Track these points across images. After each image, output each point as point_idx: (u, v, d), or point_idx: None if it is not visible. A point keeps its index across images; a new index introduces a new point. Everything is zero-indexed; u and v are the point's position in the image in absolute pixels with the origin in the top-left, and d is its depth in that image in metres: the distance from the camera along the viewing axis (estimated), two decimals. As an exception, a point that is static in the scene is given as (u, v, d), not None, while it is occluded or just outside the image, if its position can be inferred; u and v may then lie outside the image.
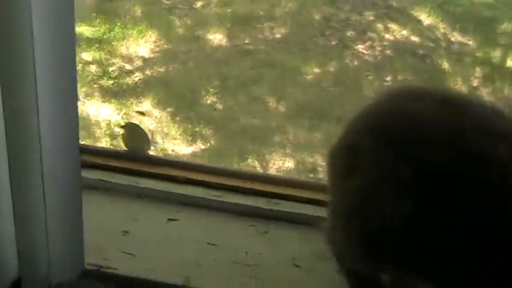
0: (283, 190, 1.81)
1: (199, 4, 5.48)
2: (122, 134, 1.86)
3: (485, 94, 4.92)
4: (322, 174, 3.88)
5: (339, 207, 1.43)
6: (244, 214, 1.77)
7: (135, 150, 1.84)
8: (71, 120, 1.40)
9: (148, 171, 1.82)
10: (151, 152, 1.89)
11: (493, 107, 1.34)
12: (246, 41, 5.17)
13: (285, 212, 1.77)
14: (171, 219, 1.74)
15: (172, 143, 4.42)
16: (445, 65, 5.14)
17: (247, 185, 1.81)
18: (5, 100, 1.33)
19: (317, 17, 5.39)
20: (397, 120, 1.33)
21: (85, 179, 1.74)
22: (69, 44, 1.33)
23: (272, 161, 4.25)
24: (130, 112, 4.54)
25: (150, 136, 2.10)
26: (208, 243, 1.68)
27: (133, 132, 1.86)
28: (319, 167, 4.14)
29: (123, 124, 1.84)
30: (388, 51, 5.18)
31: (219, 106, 4.69)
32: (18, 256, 1.48)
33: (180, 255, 1.64)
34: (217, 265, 1.63)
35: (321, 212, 1.59)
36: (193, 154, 4.35)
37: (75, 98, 1.40)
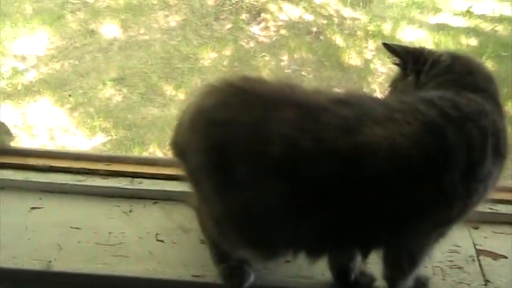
0: (145, 169, 1.84)
1: (91, -2, 5.43)
2: (-18, 129, 1.86)
3: (379, 65, 5.04)
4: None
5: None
6: (108, 195, 1.81)
7: (-4, 143, 1.85)
8: None
9: (10, 162, 1.83)
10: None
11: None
12: (141, 32, 5.15)
13: (148, 190, 1.82)
14: (34, 208, 1.77)
15: (73, 138, 4.39)
16: (339, 41, 5.22)
17: (110, 167, 1.84)
18: None
19: (210, 2, 5.41)
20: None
21: None
22: None
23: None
24: (26, 112, 4.48)
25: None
26: (71, 227, 1.72)
27: (-8, 126, 1.87)
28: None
29: (-18, 119, 1.83)
30: (282, 31, 5.23)
31: (118, 98, 4.67)
32: None
33: (43, 242, 1.67)
34: (80, 247, 1.67)
35: (182, 187, 1.64)
36: (95, 148, 4.32)
37: None
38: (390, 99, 1.55)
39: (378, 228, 1.38)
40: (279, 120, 1.35)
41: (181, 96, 4.69)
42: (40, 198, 1.79)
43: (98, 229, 1.71)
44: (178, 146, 1.52)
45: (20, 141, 4.27)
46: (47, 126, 4.43)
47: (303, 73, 4.93)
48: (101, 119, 4.48)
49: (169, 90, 4.73)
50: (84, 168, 1.83)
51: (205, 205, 1.50)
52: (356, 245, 1.45)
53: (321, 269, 1.58)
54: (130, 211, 1.77)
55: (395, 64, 1.63)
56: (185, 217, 1.74)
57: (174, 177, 1.77)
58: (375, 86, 4.91)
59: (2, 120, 1.97)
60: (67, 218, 1.74)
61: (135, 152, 4.23)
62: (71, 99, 4.57)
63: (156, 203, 1.80)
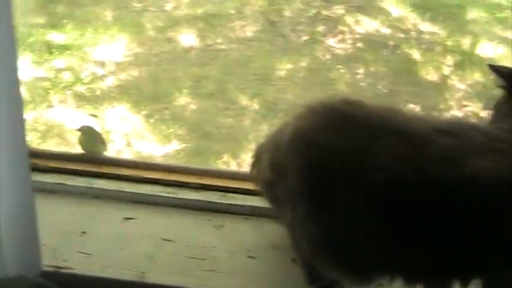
0: (238, 184, 1.84)
1: (170, 6, 5.48)
2: (78, 137, 1.89)
3: (457, 81, 4.96)
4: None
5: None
6: (199, 209, 1.81)
7: (91, 152, 1.87)
8: (17, 125, 1.42)
9: (104, 172, 1.86)
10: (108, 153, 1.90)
11: None
12: (218, 41, 5.18)
13: (240, 206, 1.81)
14: (127, 218, 1.78)
15: (148, 145, 4.44)
16: (416, 55, 5.16)
17: (202, 180, 1.85)
18: None
19: (287, 13, 5.41)
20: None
21: (41, 183, 1.79)
22: (9, 46, 1.35)
23: (247, 159, 4.27)
24: (105, 117, 4.55)
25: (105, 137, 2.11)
26: (163, 239, 1.72)
27: (88, 134, 1.89)
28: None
29: (79, 127, 1.86)
30: (359, 44, 5.20)
31: (193, 106, 4.70)
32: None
33: (135, 252, 1.68)
34: (172, 260, 1.67)
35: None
36: (169, 155, 4.36)
37: (20, 102, 1.42)
38: (493, 128, 1.51)
39: (482, 259, 1.35)
40: (381, 148, 1.34)
41: (256, 106, 4.70)
42: (132, 209, 1.80)
43: (190, 243, 1.72)
44: (276, 166, 1.51)
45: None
46: (123, 132, 4.48)
47: (378, 87, 4.87)
48: (176, 126, 4.52)
49: (244, 100, 4.74)
50: (176, 181, 1.83)
51: (300, 225, 1.49)
52: (456, 275, 1.42)
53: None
54: (221, 226, 1.77)
55: (500, 87, 1.59)
56: (277, 234, 1.73)
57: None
58: (452, 103, 4.84)
59: (97, 130, 2.01)
60: (159, 229, 1.75)
61: (210, 161, 4.25)
62: (148, 107, 4.63)
63: (247, 218, 1.79)
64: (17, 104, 1.41)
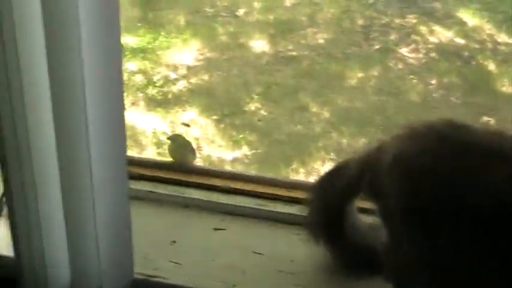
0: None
1: (241, 11, 5.48)
2: (168, 146, 1.89)
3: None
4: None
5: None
6: (289, 223, 1.79)
7: (180, 161, 1.88)
8: (119, 132, 1.43)
9: (194, 181, 1.85)
10: (197, 163, 1.90)
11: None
12: (289, 48, 5.16)
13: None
14: (217, 229, 1.78)
15: (218, 150, 4.45)
16: (491, 67, 5.05)
17: (292, 193, 1.83)
18: (55, 117, 1.37)
19: (360, 21, 5.36)
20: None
21: (133, 191, 1.80)
22: (115, 55, 1.36)
23: (316, 168, 4.25)
24: (175, 120, 4.57)
25: (195, 145, 2.12)
26: (254, 252, 1.71)
27: (178, 143, 1.90)
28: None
29: (169, 136, 1.86)
30: (432, 54, 5.11)
31: (263, 113, 4.69)
32: (69, 266, 1.53)
33: (226, 264, 1.67)
34: (262, 273, 1.66)
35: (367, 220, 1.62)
36: (238, 161, 4.36)
37: (122, 109, 1.43)
38: None
39: None
40: (489, 175, 1.30)
41: (326, 114, 4.66)
42: (222, 220, 1.79)
43: (280, 256, 1.70)
44: (374, 187, 1.48)
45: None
46: (194, 136, 4.50)
47: (451, 98, 4.78)
48: (246, 132, 4.51)
49: (314, 107, 4.71)
50: (267, 193, 1.82)
51: (397, 247, 1.46)
52: None
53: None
54: (310, 240, 1.75)
55: None
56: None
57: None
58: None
59: (188, 139, 2.01)
60: (249, 242, 1.74)
61: (279, 169, 4.24)
62: (219, 111, 4.63)
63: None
64: (119, 111, 1.42)
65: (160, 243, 1.73)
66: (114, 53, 1.35)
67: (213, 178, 1.86)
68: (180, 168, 1.86)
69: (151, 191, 1.84)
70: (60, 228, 1.50)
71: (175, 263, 1.68)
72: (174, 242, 1.74)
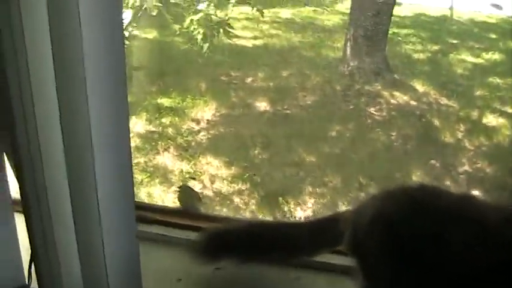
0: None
1: (249, 80, 5.24)
2: (178, 195, 1.60)
3: (468, 144, 4.56)
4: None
5: None
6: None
7: (189, 208, 1.58)
8: (126, 174, 1.13)
9: (199, 225, 1.55)
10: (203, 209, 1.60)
11: None
12: (285, 107, 4.91)
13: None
14: (218, 268, 1.47)
15: (228, 185, 4.19)
16: (437, 122, 4.80)
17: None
18: (67, 155, 1.07)
19: (338, 87, 5.11)
20: None
21: (146, 233, 1.50)
22: (121, 112, 1.07)
23: (305, 206, 4.02)
24: (197, 163, 4.31)
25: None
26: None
27: (187, 193, 1.60)
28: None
29: (179, 186, 1.57)
30: (393, 113, 4.86)
31: (264, 156, 4.42)
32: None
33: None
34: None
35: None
36: (241, 192, 4.11)
37: (129, 154, 1.13)
38: None
39: None
40: (456, 236, 1.04)
41: (312, 159, 4.40)
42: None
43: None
44: (354, 246, 1.19)
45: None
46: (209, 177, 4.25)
47: (407, 146, 4.53)
48: (251, 172, 4.25)
49: (304, 153, 4.44)
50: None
51: None
52: None
53: None
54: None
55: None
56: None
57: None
58: (464, 160, 4.50)
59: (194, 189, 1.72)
60: (245, 281, 1.43)
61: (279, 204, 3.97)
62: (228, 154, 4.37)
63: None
64: (126, 157, 1.12)
65: (167, 281, 1.43)
66: (121, 116, 1.06)
67: (216, 223, 1.55)
68: (187, 214, 1.56)
69: (163, 234, 1.54)
70: (75, 264, 1.19)
71: (180, 299, 1.38)
72: (180, 280, 1.43)
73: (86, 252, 1.17)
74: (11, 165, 1.25)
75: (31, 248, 1.22)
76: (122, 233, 1.18)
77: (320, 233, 1.26)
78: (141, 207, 1.56)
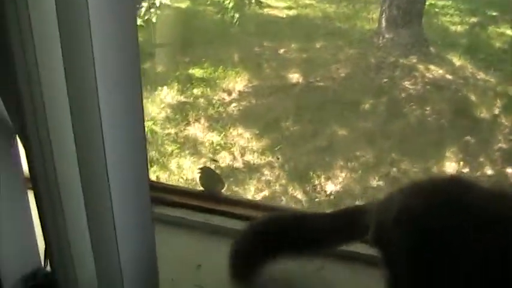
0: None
1: (282, 51, 5.06)
2: (199, 177, 1.47)
3: (505, 120, 4.34)
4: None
5: None
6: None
7: (209, 191, 1.45)
8: (140, 152, 1.00)
9: (221, 209, 1.43)
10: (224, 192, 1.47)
11: None
12: (318, 79, 4.72)
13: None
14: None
15: (259, 157, 4.06)
16: (473, 97, 4.55)
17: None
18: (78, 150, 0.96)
19: (372, 60, 4.89)
20: None
21: (164, 216, 1.38)
22: (134, 85, 0.94)
23: (336, 180, 3.87)
24: (228, 134, 4.18)
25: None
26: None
27: (208, 175, 1.47)
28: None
29: (200, 168, 1.43)
30: (428, 87, 4.62)
31: (295, 128, 4.27)
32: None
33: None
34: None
35: None
36: (271, 164, 3.97)
37: (144, 139, 1.00)
38: None
39: None
40: (487, 234, 0.91)
41: (344, 132, 4.22)
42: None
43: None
44: (379, 236, 1.05)
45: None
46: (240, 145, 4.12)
47: (442, 121, 4.31)
48: (282, 144, 4.11)
49: (335, 127, 4.27)
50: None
51: None
52: None
53: None
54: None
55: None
56: None
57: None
58: (500, 137, 4.27)
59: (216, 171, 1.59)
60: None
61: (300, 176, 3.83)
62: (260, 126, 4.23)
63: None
64: (140, 134, 0.99)
65: (186, 266, 1.31)
66: (135, 110, 0.93)
67: (238, 207, 1.42)
68: (209, 197, 1.44)
69: (182, 217, 1.41)
70: (87, 250, 1.08)
71: (199, 286, 1.26)
72: (200, 266, 1.31)
73: (98, 237, 1.06)
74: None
75: (43, 233, 1.12)
76: (135, 216, 1.06)
77: (345, 225, 1.12)
78: (159, 188, 1.44)
